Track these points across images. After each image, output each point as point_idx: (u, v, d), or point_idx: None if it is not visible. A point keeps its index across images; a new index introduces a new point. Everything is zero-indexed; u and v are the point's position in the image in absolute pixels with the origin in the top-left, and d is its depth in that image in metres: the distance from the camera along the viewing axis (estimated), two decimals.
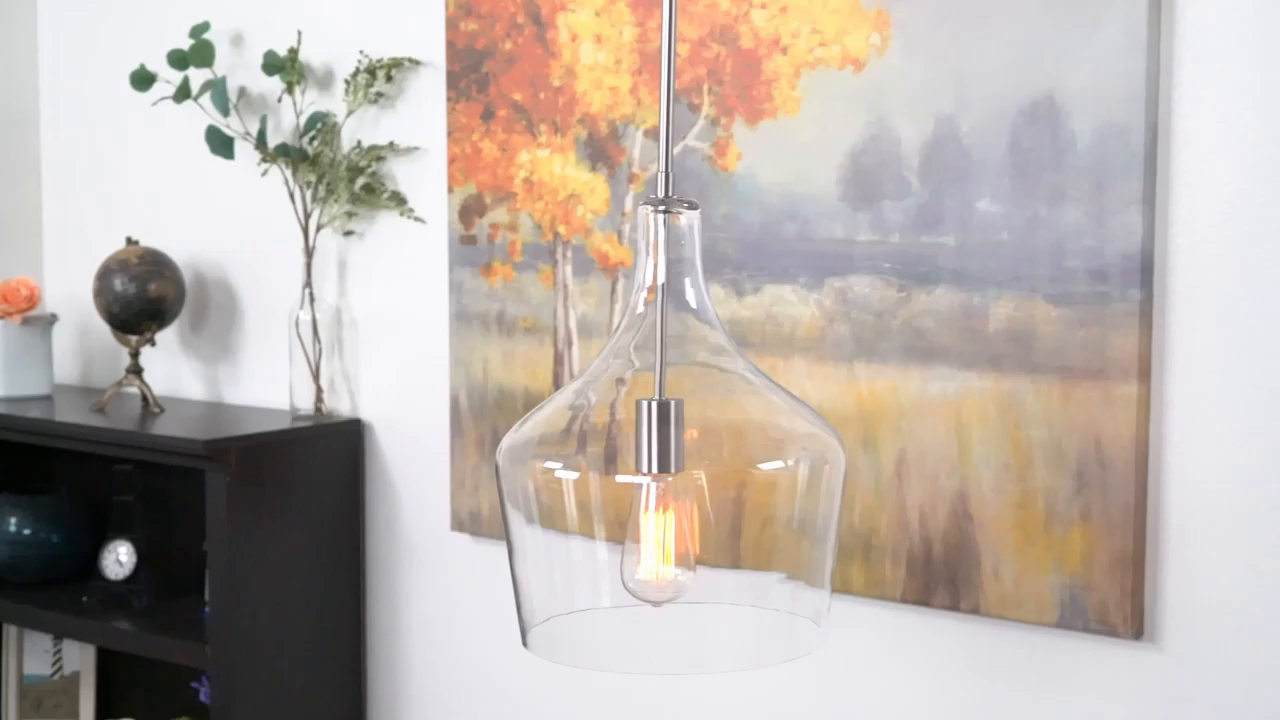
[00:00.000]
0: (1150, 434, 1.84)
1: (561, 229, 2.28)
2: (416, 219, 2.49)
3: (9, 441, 2.74)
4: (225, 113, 2.59)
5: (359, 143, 2.53)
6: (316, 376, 2.57)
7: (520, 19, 2.30)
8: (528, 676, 2.41)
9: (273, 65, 2.56)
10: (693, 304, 1.29)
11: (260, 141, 2.56)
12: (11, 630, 2.89)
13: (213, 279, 2.79)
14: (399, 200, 2.50)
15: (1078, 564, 1.87)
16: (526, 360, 2.33)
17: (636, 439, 1.22)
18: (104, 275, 2.68)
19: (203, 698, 2.54)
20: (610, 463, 1.28)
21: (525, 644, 1.29)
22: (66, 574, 2.76)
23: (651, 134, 2.19)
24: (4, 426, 2.69)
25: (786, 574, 1.30)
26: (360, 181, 2.53)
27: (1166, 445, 1.84)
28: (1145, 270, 1.82)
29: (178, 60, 2.62)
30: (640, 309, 1.29)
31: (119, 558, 2.67)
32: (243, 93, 2.66)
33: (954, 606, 1.96)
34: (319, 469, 2.55)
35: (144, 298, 2.65)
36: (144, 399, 2.68)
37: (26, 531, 2.75)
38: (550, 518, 1.26)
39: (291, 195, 2.56)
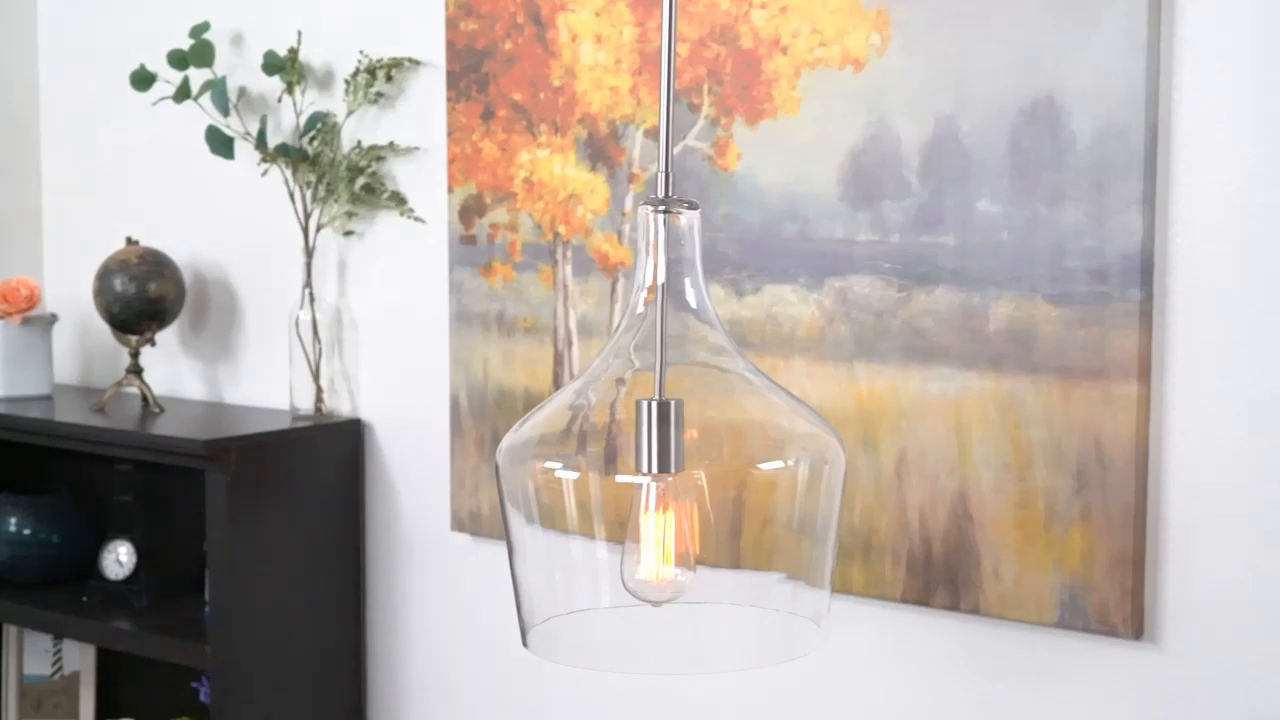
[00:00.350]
0: (1150, 434, 1.84)
1: (561, 229, 2.28)
2: (416, 219, 2.49)
3: (9, 441, 2.74)
4: (225, 113, 2.59)
5: (359, 143, 2.53)
6: (316, 376, 2.57)
7: (520, 19, 2.30)
8: (528, 676, 2.41)
9: (273, 65, 2.56)
10: (693, 304, 1.29)
11: (260, 141, 2.56)
12: (11, 630, 2.89)
13: (213, 279, 2.79)
14: (399, 200, 2.50)
15: (1078, 564, 1.87)
16: (526, 360, 2.33)
17: (636, 439, 1.22)
18: (104, 275, 2.68)
19: (203, 698, 2.54)
20: (610, 463, 1.28)
21: (525, 644, 1.29)
22: (66, 574, 2.76)
23: (651, 134, 2.19)
24: (4, 426, 2.69)
25: (786, 574, 1.30)
26: (360, 181, 2.53)
27: (1166, 445, 1.84)
28: (1145, 270, 1.82)
29: (178, 60, 2.62)
30: (640, 309, 1.28)
31: (119, 558, 2.67)
32: (243, 93, 2.66)
33: (954, 606, 1.96)
34: (319, 469, 2.55)
35: (144, 298, 2.65)
36: (144, 399, 2.68)
37: (26, 531, 2.75)
38: (550, 518, 1.26)
39: (291, 195, 2.56)
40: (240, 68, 2.67)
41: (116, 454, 2.57)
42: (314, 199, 2.55)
